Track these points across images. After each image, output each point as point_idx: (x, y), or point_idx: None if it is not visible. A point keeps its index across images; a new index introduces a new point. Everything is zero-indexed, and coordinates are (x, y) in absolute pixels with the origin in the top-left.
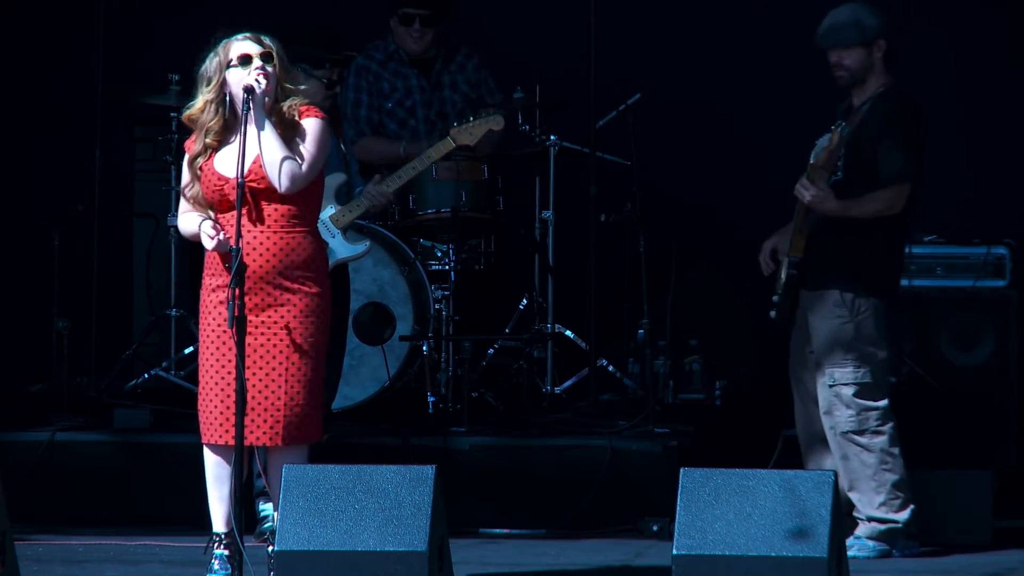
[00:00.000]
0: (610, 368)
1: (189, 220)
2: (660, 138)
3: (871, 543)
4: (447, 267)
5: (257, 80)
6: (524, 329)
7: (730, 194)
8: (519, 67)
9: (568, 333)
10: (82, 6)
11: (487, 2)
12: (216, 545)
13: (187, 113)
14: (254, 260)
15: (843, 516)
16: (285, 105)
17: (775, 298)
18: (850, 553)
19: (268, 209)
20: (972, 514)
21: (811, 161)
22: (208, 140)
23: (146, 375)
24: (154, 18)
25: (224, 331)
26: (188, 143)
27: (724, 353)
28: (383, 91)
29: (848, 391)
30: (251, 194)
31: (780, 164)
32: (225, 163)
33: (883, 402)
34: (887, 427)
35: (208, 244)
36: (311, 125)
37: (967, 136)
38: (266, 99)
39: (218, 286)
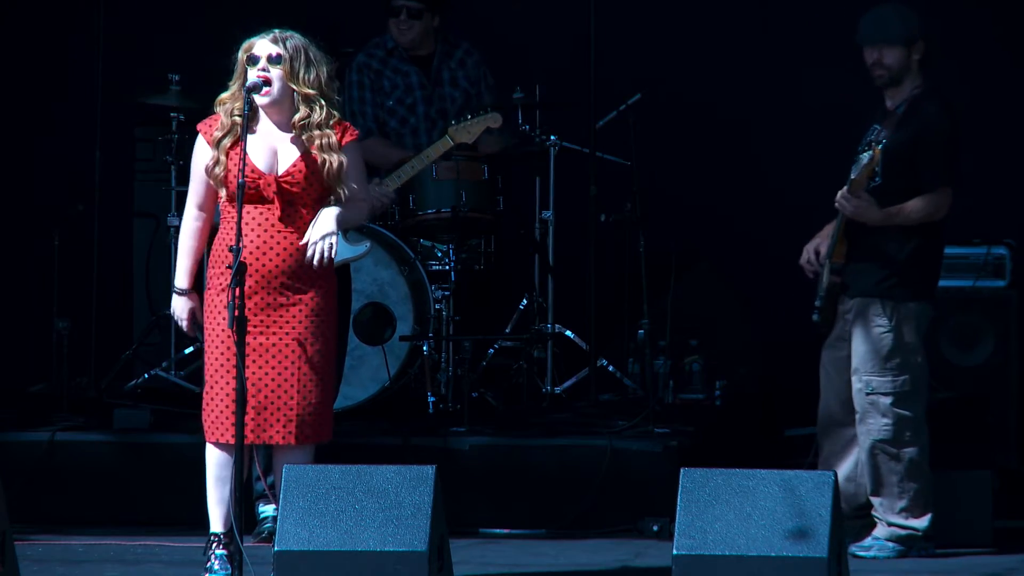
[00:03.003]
0: (610, 368)
1: (185, 240)
2: (660, 138)
3: (890, 544)
4: (447, 267)
5: (267, 82)
6: (524, 329)
7: (730, 194)
8: (519, 67)
9: (568, 333)
10: (82, 6)
11: (488, 1)
12: (216, 545)
13: (220, 97)
14: (273, 259)
15: (843, 516)
16: (319, 132)
17: (818, 302)
18: (870, 554)
19: (303, 211)
20: (972, 514)
21: (852, 176)
22: (236, 119)
23: (146, 375)
24: (154, 18)
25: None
26: (203, 125)
27: (724, 353)
28: (384, 89)
29: (885, 400)
30: (286, 194)
31: (780, 164)
32: (258, 154)
33: (919, 412)
34: (920, 438)
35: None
36: (352, 153)
37: (967, 136)
38: (271, 101)
39: (225, 286)
